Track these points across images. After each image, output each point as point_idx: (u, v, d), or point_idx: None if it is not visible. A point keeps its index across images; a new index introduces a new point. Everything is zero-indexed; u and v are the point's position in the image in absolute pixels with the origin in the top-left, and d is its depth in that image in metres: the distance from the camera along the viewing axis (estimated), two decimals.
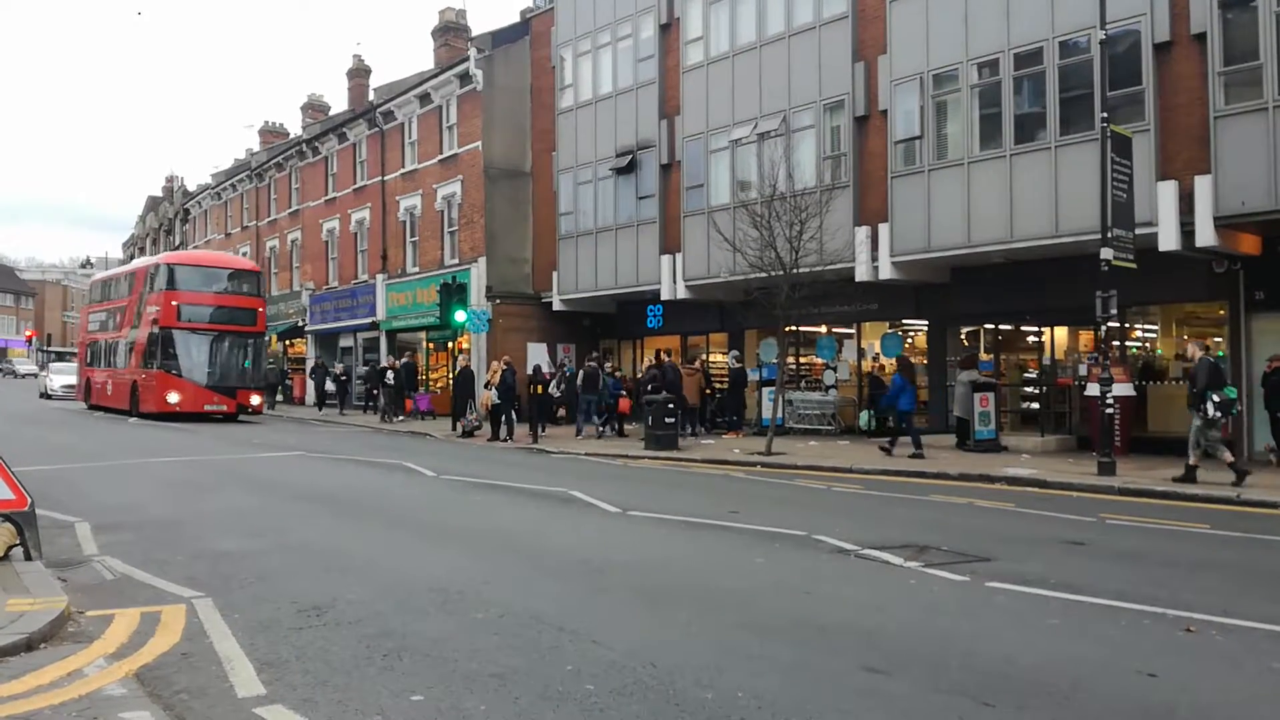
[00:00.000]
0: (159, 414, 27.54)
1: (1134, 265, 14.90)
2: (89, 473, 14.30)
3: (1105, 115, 14.69)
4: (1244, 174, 15.33)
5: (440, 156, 31.41)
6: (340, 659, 5.06)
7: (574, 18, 27.85)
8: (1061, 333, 20.30)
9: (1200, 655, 5.39)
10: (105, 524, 9.33)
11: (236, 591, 6.60)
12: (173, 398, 27.50)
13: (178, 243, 59.80)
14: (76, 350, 43.15)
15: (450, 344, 27.71)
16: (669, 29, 25.34)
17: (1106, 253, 14.28)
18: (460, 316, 24.32)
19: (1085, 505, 11.76)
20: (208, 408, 28.19)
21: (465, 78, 30.09)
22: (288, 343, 41.80)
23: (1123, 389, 16.80)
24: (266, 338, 32.19)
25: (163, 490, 12.38)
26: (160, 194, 67.37)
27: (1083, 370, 18.99)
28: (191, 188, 59.69)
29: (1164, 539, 9.53)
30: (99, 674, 4.77)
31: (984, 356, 21.33)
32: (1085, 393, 18.10)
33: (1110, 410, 14.62)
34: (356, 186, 36.61)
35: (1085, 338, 19.59)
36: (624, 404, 23.57)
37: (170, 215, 61.75)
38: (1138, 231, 15.29)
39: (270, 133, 51.78)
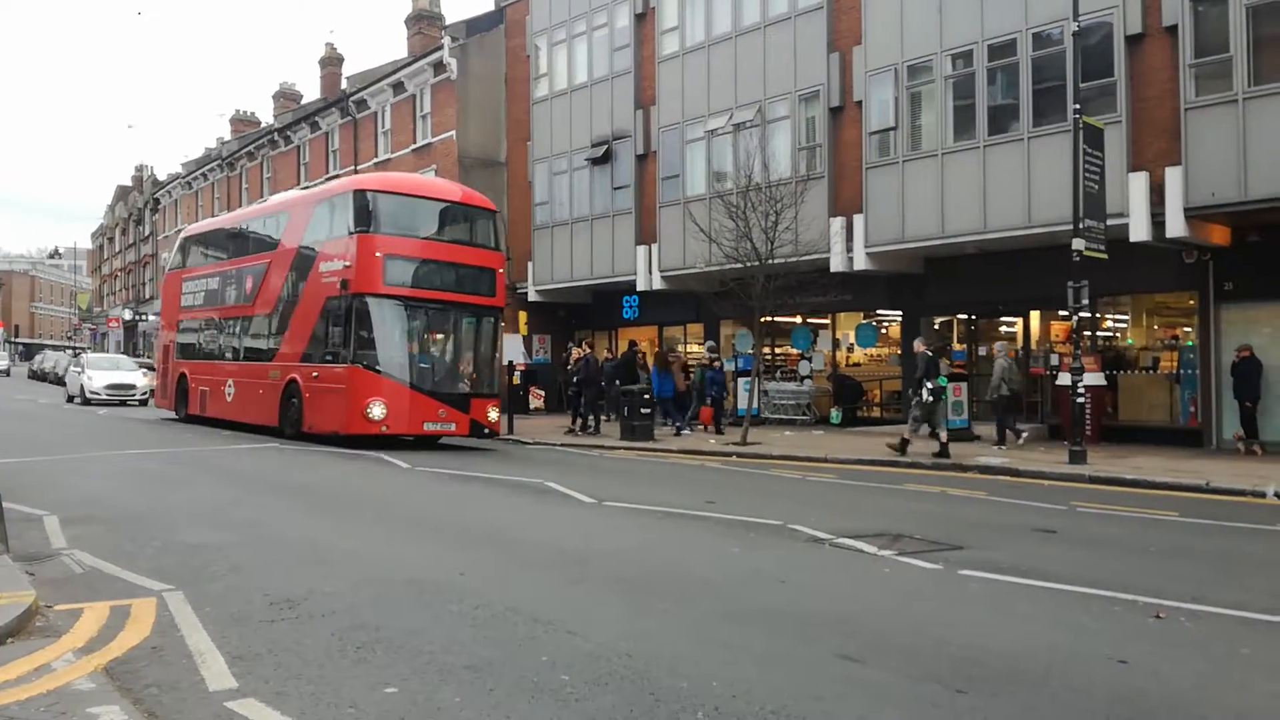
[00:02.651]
0: (344, 436, 16.93)
1: (1105, 256, 15.04)
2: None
3: (1077, 107, 14.81)
4: (1214, 166, 15.50)
5: (414, 146, 31.21)
6: (313, 651, 5.02)
7: (549, 6, 27.73)
8: (1034, 322, 20.47)
9: (1170, 641, 5.45)
10: (73, 517, 9.21)
11: (208, 584, 6.53)
12: (376, 411, 16.56)
13: (147, 233, 59.12)
14: (157, 336, 30.52)
15: None
16: (644, 18, 25.28)
17: (1078, 243, 14.41)
18: None
19: (1057, 493, 11.87)
20: (429, 427, 17.35)
21: (439, 66, 29.90)
22: None
23: (1093, 378, 16.96)
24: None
25: None
26: (130, 183, 66.59)
27: (1054, 360, 19.16)
28: (162, 177, 59.00)
29: (1134, 526, 9.63)
30: (67, 668, 4.70)
31: (957, 346, 21.49)
32: (1057, 382, 18.28)
33: (1081, 400, 14.76)
34: (329, 176, 36.31)
35: (1058, 328, 19.76)
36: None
37: (140, 205, 61.05)
38: (1109, 222, 15.44)
39: (242, 121, 51.30)
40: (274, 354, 19.46)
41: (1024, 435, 17.62)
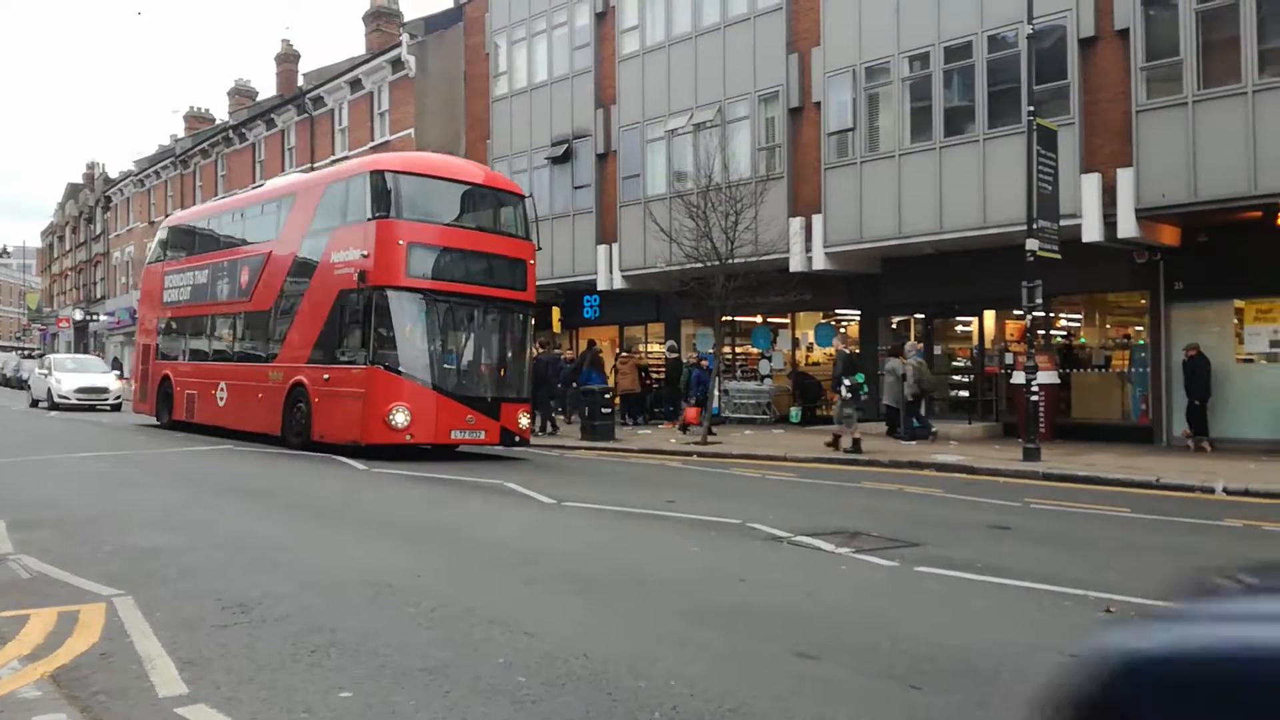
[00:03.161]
0: (364, 447, 15.10)
1: (1058, 256, 15.27)
2: None
3: (1031, 109, 15.02)
4: (1164, 167, 15.80)
5: (372, 143, 30.96)
6: (266, 656, 4.95)
7: (508, 4, 27.63)
8: (990, 322, 20.74)
9: None
10: (22, 520, 9.01)
11: (159, 588, 6.42)
12: (400, 417, 14.75)
13: (98, 231, 58.07)
14: (135, 336, 26.33)
15: None
16: (604, 17, 25.27)
17: (1032, 244, 14.61)
18: None
19: (1011, 490, 12.03)
20: (456, 435, 15.57)
21: (397, 64, 29.70)
22: None
23: (1047, 377, 17.22)
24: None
25: None
26: (80, 180, 65.35)
27: (1009, 359, 19.43)
28: (114, 174, 57.97)
29: (1086, 522, 9.79)
30: (13, 676, 4.60)
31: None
32: (1011, 380, 18.53)
33: (1035, 398, 14.98)
34: (285, 174, 35.91)
35: (1013, 327, 20.04)
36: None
37: (91, 203, 59.96)
38: (1062, 223, 15.69)
39: (196, 118, 50.57)
40: (275, 354, 17.53)
41: (934, 432, 18.42)
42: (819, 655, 5.00)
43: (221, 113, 49.05)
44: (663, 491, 11.74)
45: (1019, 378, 16.31)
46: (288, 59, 42.21)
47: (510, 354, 16.58)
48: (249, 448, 16.92)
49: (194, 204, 43.09)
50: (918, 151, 18.80)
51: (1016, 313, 16.80)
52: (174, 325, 21.91)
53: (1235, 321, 17.25)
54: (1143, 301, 18.25)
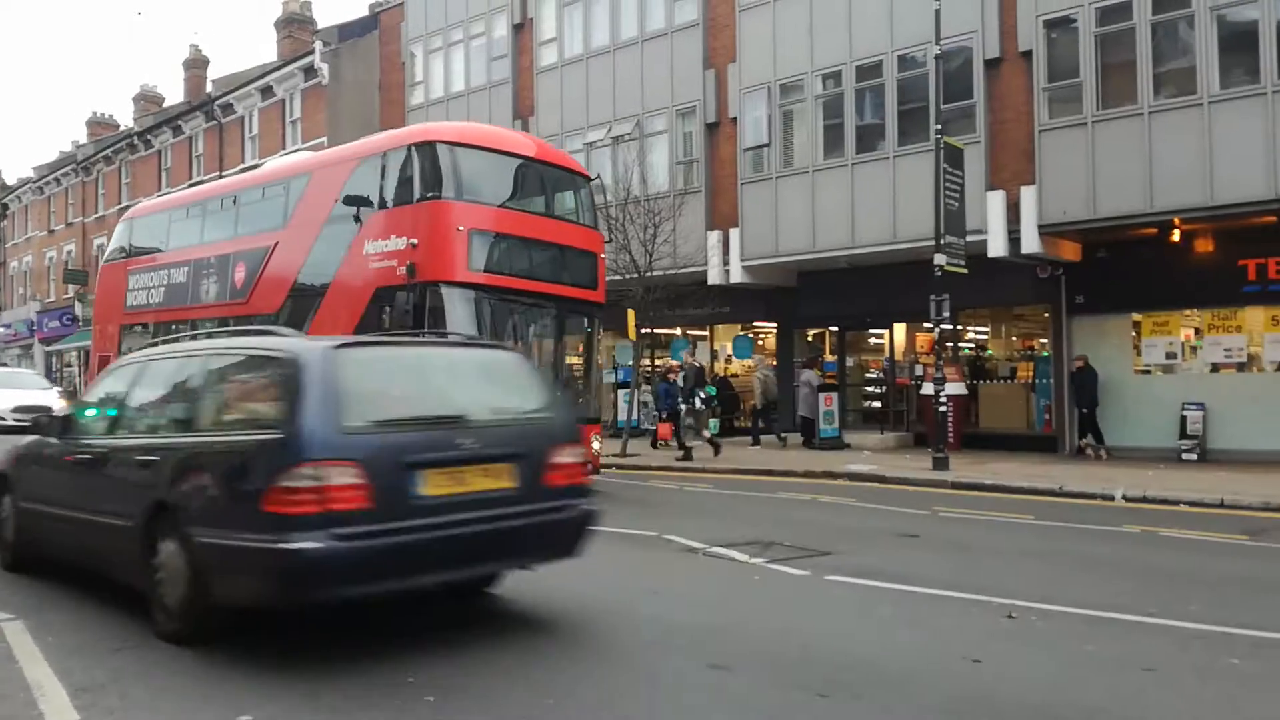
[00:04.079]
0: None
1: (965, 270, 15.69)
2: None
3: (939, 127, 15.42)
4: (1065, 185, 16.35)
5: (283, 151, 30.29)
6: (161, 680, 4.78)
7: (425, 14, 27.34)
8: (901, 334, 21.19)
9: (1021, 640, 5.69)
10: None
11: (51, 613, 6.16)
12: None
13: None
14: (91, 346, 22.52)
15: None
16: (522, 29, 25.20)
17: (939, 258, 14.98)
18: None
19: (921, 499, 12.29)
20: None
21: (310, 71, 29.18)
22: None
23: (955, 388, 17.66)
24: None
25: None
26: None
27: (919, 370, 19.89)
28: (11, 181, 55.65)
29: (992, 530, 10.06)
30: None
31: (829, 357, 22.07)
32: (921, 392, 18.95)
33: (944, 408, 15.35)
34: (193, 181, 34.92)
35: (923, 339, 20.51)
36: None
37: None
38: (969, 238, 16.13)
39: (99, 124, 48.91)
40: None
41: (785, 438, 19.56)
42: (730, 666, 5.03)
43: (126, 119, 47.55)
44: None
45: (928, 389, 16.69)
46: (196, 65, 41.12)
47: (585, 363, 14.34)
48: None
49: (96, 213, 41.64)
50: (831, 168, 19.15)
51: (926, 325, 17.20)
52: (142, 332, 18.58)
53: (1133, 334, 17.91)
54: (1046, 315, 18.85)
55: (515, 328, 13.32)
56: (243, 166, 31.82)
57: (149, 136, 37.85)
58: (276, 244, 15.07)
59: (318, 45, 28.93)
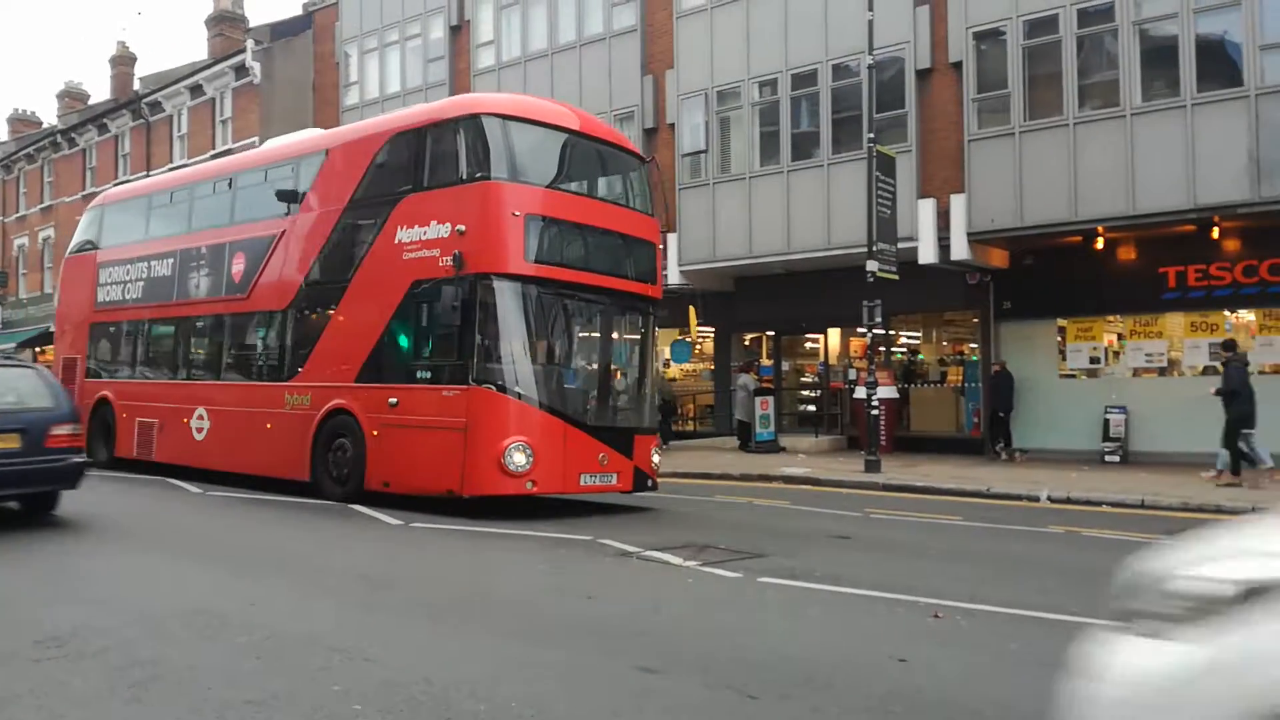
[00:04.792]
0: (463, 500, 10.83)
1: (897, 277, 15.97)
2: None
3: (872, 136, 15.68)
4: (994, 194, 16.74)
5: (213, 151, 29.71)
6: (81, 692, 4.64)
7: (360, 13, 27.06)
8: (835, 339, 21.48)
9: (947, 639, 5.79)
10: None
11: None
12: (519, 458, 10.56)
13: None
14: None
15: None
16: (459, 31, 25.06)
17: (872, 265, 15.23)
18: None
19: (853, 501, 12.46)
20: (586, 481, 11.28)
21: (241, 70, 28.66)
22: (37, 350, 38.32)
23: (887, 392, 17.96)
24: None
25: None
26: None
27: (852, 374, 20.18)
28: None
29: (921, 531, 10.23)
30: None
31: (765, 361, 22.28)
32: (854, 395, 19.23)
33: (876, 412, 15.58)
34: (118, 181, 34.05)
35: (856, 344, 20.81)
36: None
37: None
38: (901, 245, 16.43)
39: (21, 121, 47.42)
40: (296, 370, 12.98)
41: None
42: (661, 669, 5.04)
43: (50, 116, 46.18)
44: (516, 509, 11.61)
45: (861, 393, 16.94)
46: (123, 61, 40.09)
47: (638, 368, 12.81)
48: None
49: (17, 212, 40.36)
50: (767, 174, 19.36)
51: (860, 330, 17.47)
52: (116, 332, 16.83)
53: (1058, 339, 18.39)
54: (975, 320, 19.26)
55: (576, 326, 12.03)
56: (170, 166, 31.13)
57: (73, 135, 36.84)
58: (284, 232, 13.43)
59: (250, 44, 28.44)
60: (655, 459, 12.22)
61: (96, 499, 11.22)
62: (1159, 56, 15.66)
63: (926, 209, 17.53)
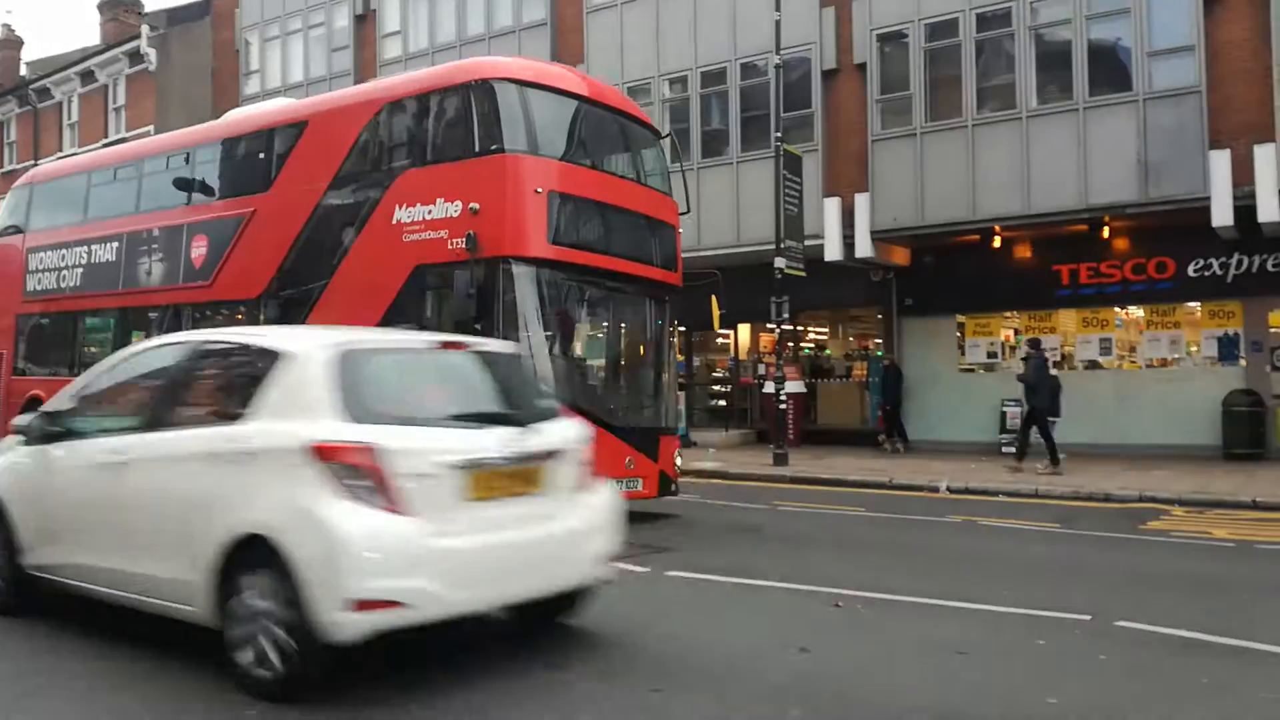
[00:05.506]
0: None
1: (804, 273, 16.22)
2: None
3: (779, 135, 15.88)
4: (896, 193, 17.11)
5: (105, 140, 28.54)
6: None
7: (261, 1, 26.30)
8: (745, 334, 21.72)
9: (848, 627, 5.92)
10: None
11: None
12: None
13: None
14: None
15: None
16: (364, 20, 24.58)
17: (779, 262, 15.43)
18: None
19: (762, 494, 12.62)
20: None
21: (136, 56, 27.60)
22: None
23: (795, 386, 18.24)
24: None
25: None
26: None
27: (761, 369, 20.45)
28: None
29: (827, 522, 10.43)
30: None
31: (678, 357, 22.41)
32: (763, 390, 19.48)
33: (784, 406, 15.82)
34: (5, 170, 32.50)
35: (766, 339, 21.08)
36: None
37: None
38: (807, 243, 16.68)
39: None
40: None
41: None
42: (564, 666, 5.03)
43: None
44: None
45: (770, 387, 17.16)
46: (9, 45, 38.16)
47: (659, 364, 11.64)
48: None
49: None
50: (676, 172, 19.38)
51: (769, 326, 17.68)
52: (51, 324, 15.23)
53: (958, 334, 18.92)
54: (879, 316, 19.69)
55: (600, 316, 11.14)
56: (59, 155, 29.85)
57: None
58: (254, 212, 12.07)
59: (145, 29, 27.38)
60: (679, 461, 11.47)
61: None
62: (1054, 61, 16.21)
63: (832, 207, 17.83)
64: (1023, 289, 17.77)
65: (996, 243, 17.47)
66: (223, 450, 4.82)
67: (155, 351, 6.08)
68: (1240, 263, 16.10)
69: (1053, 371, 15.49)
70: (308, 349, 4.92)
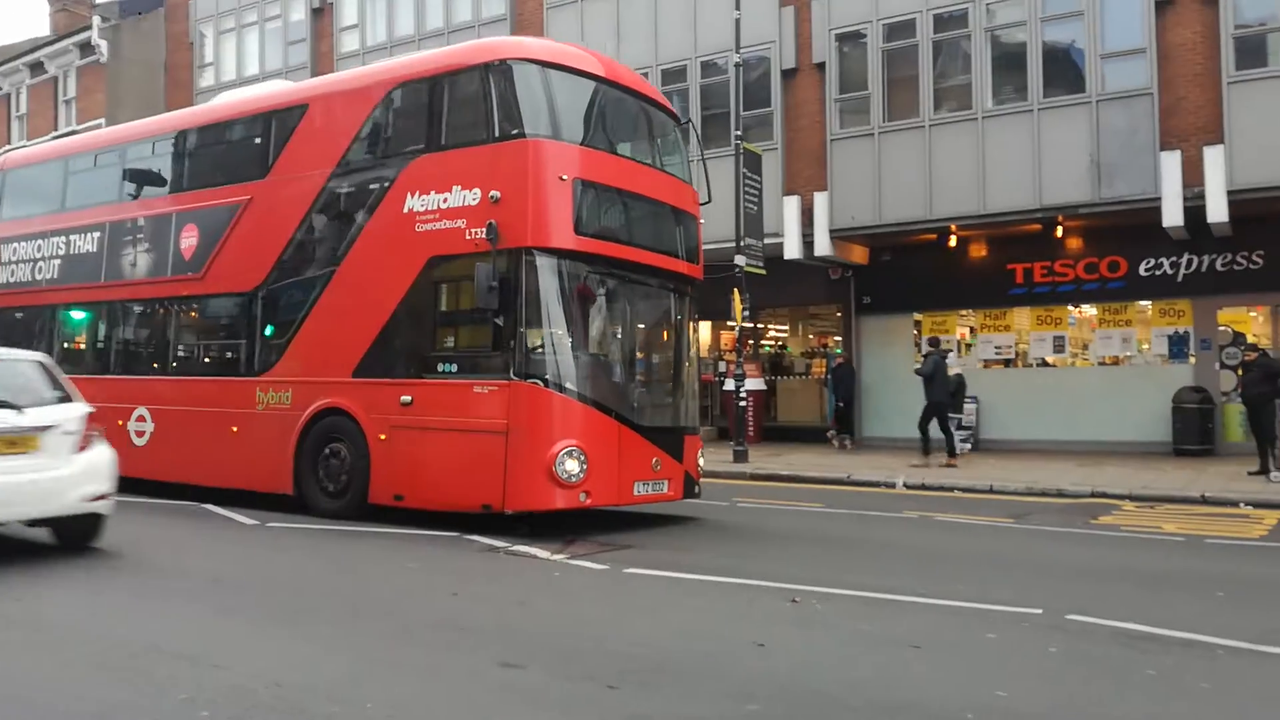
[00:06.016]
0: (502, 515, 9.20)
1: (764, 271, 16.31)
2: None
3: (739, 133, 15.95)
4: (854, 192, 17.28)
5: (55, 133, 27.99)
6: None
7: None
8: (706, 332, 21.77)
9: (803, 623, 5.97)
10: None
11: None
12: (572, 465, 8.98)
13: None
14: None
15: None
16: (321, 14, 24.37)
17: (740, 259, 15.51)
18: None
19: (722, 490, 12.68)
20: (640, 490, 9.77)
21: (87, 48, 27.11)
22: None
23: (755, 384, 18.35)
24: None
25: None
26: None
27: (722, 367, 20.54)
28: None
29: (785, 518, 10.51)
30: None
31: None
32: (724, 388, 19.57)
33: (744, 403, 15.90)
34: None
35: (727, 337, 21.17)
36: None
37: None
38: (767, 241, 16.78)
39: None
40: (271, 363, 11.06)
41: None
42: (524, 663, 5.02)
43: None
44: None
45: (730, 385, 17.25)
46: None
47: (680, 360, 11.22)
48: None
49: None
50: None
51: (730, 324, 17.76)
52: (24, 318, 14.31)
53: (915, 332, 19.13)
54: (838, 314, 19.86)
55: (623, 311, 10.47)
56: (9, 148, 29.19)
57: None
58: (250, 200, 11.45)
59: (96, 20, 26.92)
60: (702, 461, 11.12)
61: None
62: (1009, 62, 16.45)
63: (791, 206, 17.96)
64: (978, 287, 18.02)
65: (953, 242, 17.70)
66: None
67: None
68: (1190, 262, 16.45)
69: (956, 371, 15.98)
70: None
